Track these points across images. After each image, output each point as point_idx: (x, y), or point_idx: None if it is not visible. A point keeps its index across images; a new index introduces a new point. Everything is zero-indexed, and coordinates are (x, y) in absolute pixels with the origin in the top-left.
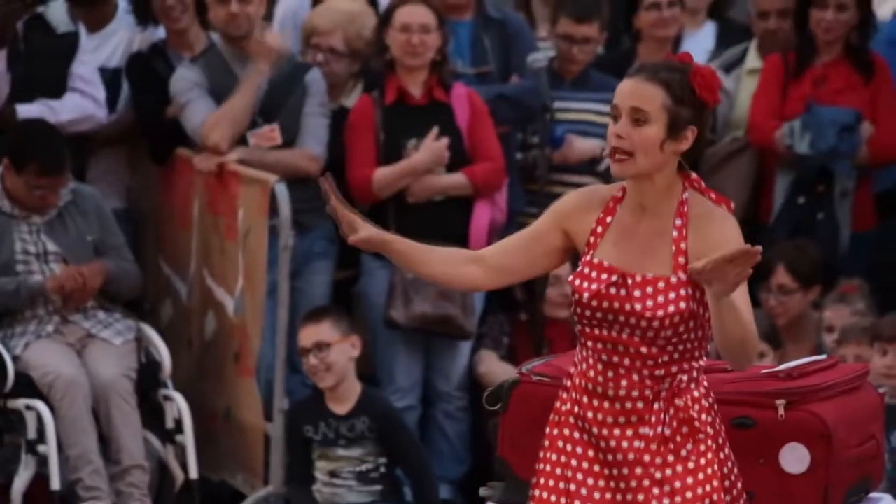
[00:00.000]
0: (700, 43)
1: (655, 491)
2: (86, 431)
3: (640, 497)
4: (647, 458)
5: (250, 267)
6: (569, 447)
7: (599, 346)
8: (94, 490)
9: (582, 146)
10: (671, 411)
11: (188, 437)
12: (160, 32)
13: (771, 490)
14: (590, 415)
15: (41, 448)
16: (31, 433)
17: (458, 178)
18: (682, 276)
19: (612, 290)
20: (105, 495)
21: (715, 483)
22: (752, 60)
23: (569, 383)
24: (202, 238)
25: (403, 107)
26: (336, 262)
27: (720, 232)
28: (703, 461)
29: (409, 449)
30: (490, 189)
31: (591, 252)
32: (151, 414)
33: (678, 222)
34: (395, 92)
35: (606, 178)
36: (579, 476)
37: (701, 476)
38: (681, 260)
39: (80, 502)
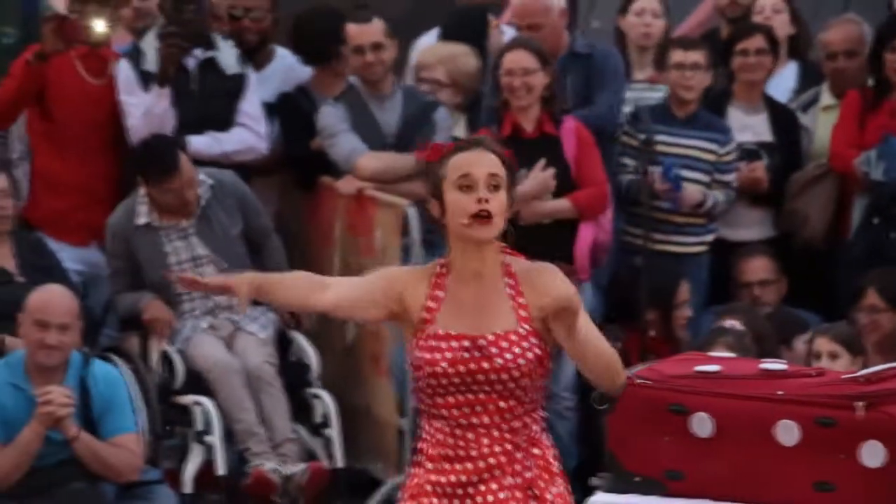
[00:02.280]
0: (784, 82)
1: None
2: (245, 409)
3: None
4: None
5: None
6: None
7: (455, 412)
8: (260, 455)
9: (693, 194)
10: (530, 461)
11: (334, 431)
12: (304, 75)
13: (851, 482)
14: (453, 478)
15: (208, 438)
16: (199, 425)
17: (563, 204)
18: (528, 328)
19: (467, 354)
20: (272, 456)
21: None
22: (826, 98)
23: (420, 458)
24: (343, 256)
25: (517, 140)
26: None
27: (552, 281)
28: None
29: None
30: (593, 213)
31: (429, 326)
32: (302, 410)
33: (509, 281)
34: (509, 127)
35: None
36: None
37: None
38: (522, 313)
39: (248, 465)
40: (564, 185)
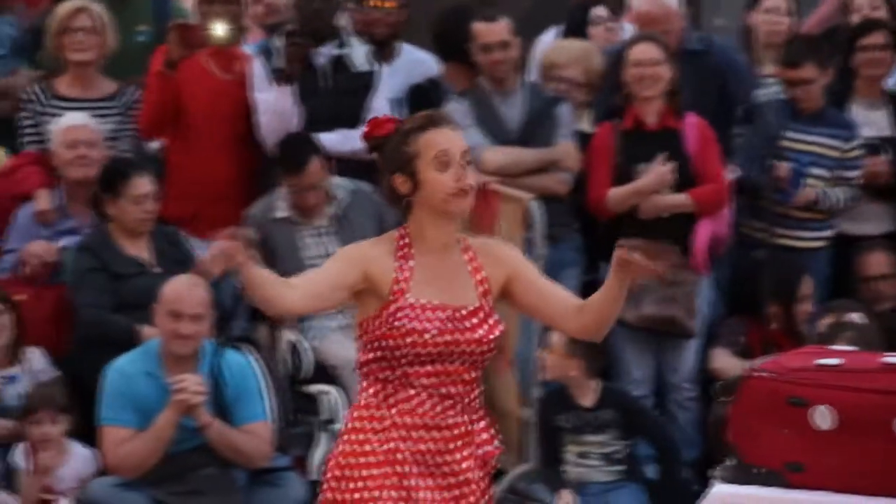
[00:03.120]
0: None
1: (480, 501)
2: None
3: None
4: (473, 475)
5: None
6: (407, 482)
7: (429, 381)
8: None
9: (807, 194)
10: (481, 436)
11: None
12: (429, 70)
13: None
14: (430, 446)
15: (334, 427)
16: (326, 414)
17: (681, 199)
18: (488, 304)
19: (450, 325)
20: None
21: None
22: None
23: (378, 425)
24: None
25: (639, 133)
26: (583, 270)
27: (506, 252)
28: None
29: (654, 430)
30: (712, 208)
31: (402, 296)
32: None
33: (467, 256)
34: (632, 120)
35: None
36: None
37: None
38: (482, 288)
39: None
40: (684, 180)
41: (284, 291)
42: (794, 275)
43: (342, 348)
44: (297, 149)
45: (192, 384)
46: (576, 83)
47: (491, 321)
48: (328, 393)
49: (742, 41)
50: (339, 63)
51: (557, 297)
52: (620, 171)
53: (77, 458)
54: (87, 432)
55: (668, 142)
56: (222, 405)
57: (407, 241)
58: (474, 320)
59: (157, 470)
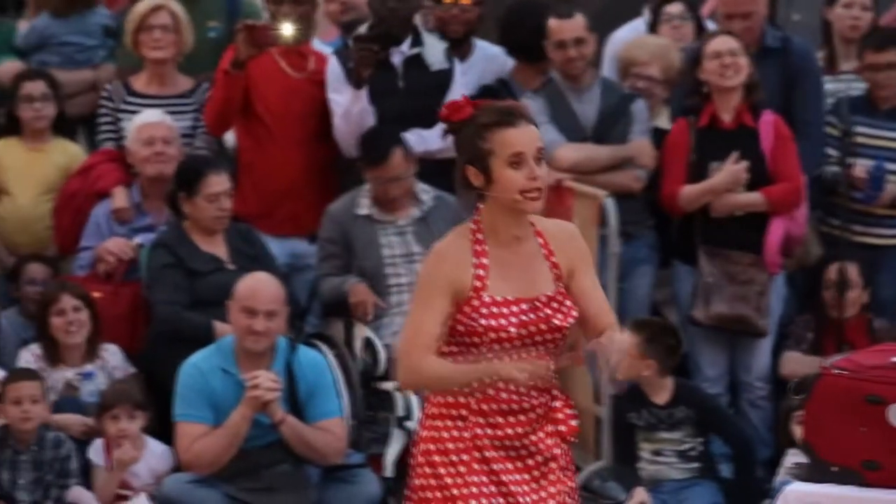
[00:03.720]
0: None
1: (562, 476)
2: None
3: (555, 488)
4: (556, 451)
5: None
6: (492, 466)
7: None
8: None
9: (891, 192)
10: (560, 413)
11: None
12: (503, 67)
13: None
14: (509, 431)
15: (408, 424)
16: (400, 411)
17: (755, 197)
18: (562, 288)
19: (532, 316)
20: None
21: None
22: None
23: (464, 412)
24: None
25: (714, 131)
26: (657, 267)
27: (574, 243)
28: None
29: (729, 428)
30: (786, 208)
31: (482, 293)
32: None
33: (540, 241)
34: (708, 117)
35: None
36: (512, 488)
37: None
38: (556, 272)
39: None
40: (759, 178)
41: (436, 371)
42: (869, 271)
43: None
44: (380, 141)
45: (266, 381)
46: (655, 80)
47: (566, 306)
48: (403, 390)
49: (820, 36)
50: (415, 62)
51: (592, 308)
52: (695, 169)
53: (152, 455)
54: (162, 429)
55: (743, 140)
56: (296, 402)
57: (480, 235)
58: (551, 308)
59: (231, 466)
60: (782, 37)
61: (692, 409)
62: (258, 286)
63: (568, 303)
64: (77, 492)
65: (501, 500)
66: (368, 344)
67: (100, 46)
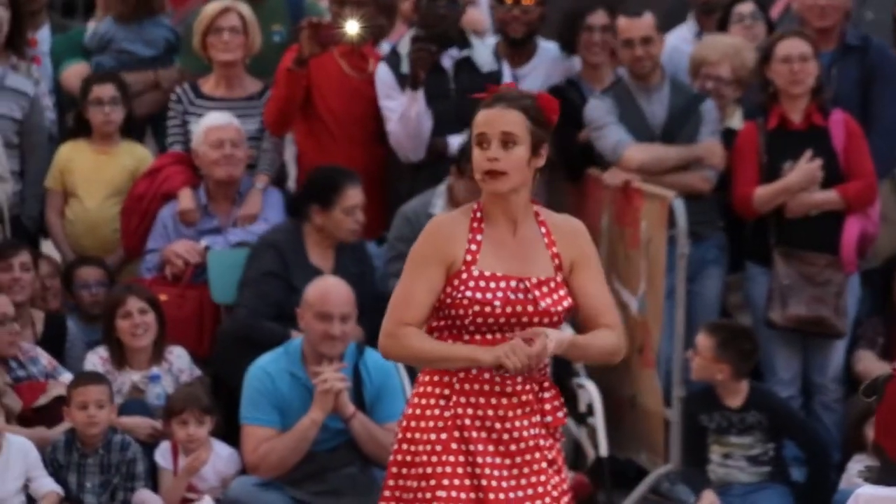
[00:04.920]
0: None
1: (550, 471)
2: None
3: (536, 479)
4: (542, 442)
5: (651, 272)
6: (470, 447)
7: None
8: None
9: None
10: (549, 404)
11: (599, 420)
12: (574, 67)
13: None
14: (490, 412)
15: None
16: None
17: (830, 196)
18: (561, 278)
19: (519, 296)
20: None
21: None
22: None
23: (447, 391)
24: (610, 246)
25: (784, 132)
26: (727, 268)
27: (578, 239)
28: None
29: (804, 433)
30: (861, 204)
31: (471, 267)
32: (566, 399)
33: (542, 230)
34: (777, 118)
35: None
36: (487, 471)
37: (562, 458)
38: (556, 262)
39: None
40: (832, 177)
41: (413, 343)
42: None
43: None
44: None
45: (333, 374)
46: (724, 80)
47: (559, 293)
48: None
49: (892, 35)
50: (465, 64)
51: (589, 305)
52: (766, 171)
53: (219, 458)
54: (228, 431)
55: (814, 139)
56: (364, 404)
57: (479, 214)
58: (541, 291)
59: (298, 469)
60: (862, 35)
61: (765, 414)
62: (329, 290)
63: (562, 291)
64: (144, 494)
65: (473, 481)
66: None
67: (158, 59)
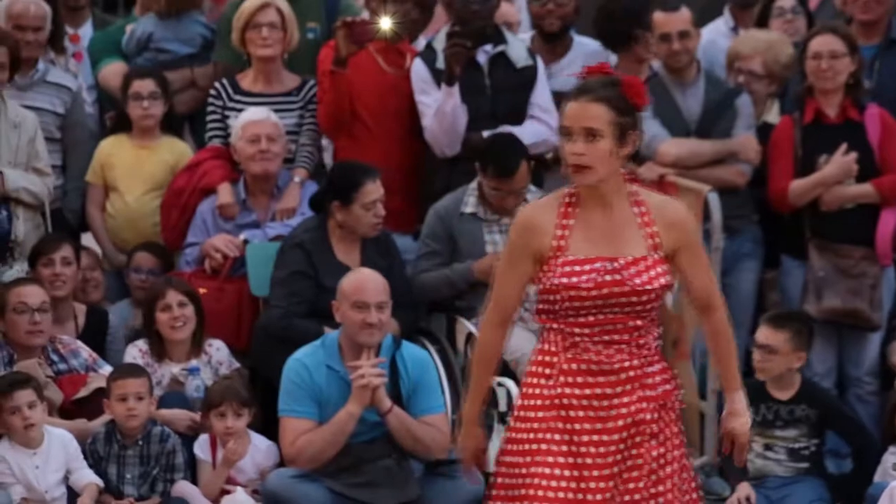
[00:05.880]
0: None
1: (652, 442)
2: None
3: (637, 451)
4: (646, 416)
5: None
6: (575, 426)
7: (594, 329)
8: None
9: None
10: (658, 377)
11: None
12: (610, 61)
13: None
14: (597, 391)
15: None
16: (503, 406)
17: (865, 189)
18: (657, 255)
19: (608, 277)
20: None
21: (682, 438)
22: None
23: (548, 371)
24: None
25: (820, 126)
26: (762, 262)
27: (682, 222)
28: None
29: (853, 429)
30: None
31: (562, 253)
32: None
33: (637, 210)
34: (812, 113)
35: None
36: (589, 448)
37: (676, 429)
38: (651, 241)
39: None
40: (867, 171)
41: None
42: None
43: (520, 340)
44: (509, 153)
45: (370, 369)
46: (755, 74)
47: (655, 271)
48: (504, 385)
49: None
50: (500, 60)
51: (700, 287)
52: (802, 165)
53: (257, 450)
54: (266, 423)
55: (850, 133)
56: (401, 397)
57: (573, 199)
58: (633, 269)
59: (335, 461)
60: None
61: (814, 408)
62: (365, 279)
63: (659, 269)
64: (183, 486)
65: (572, 459)
66: (471, 338)
67: (195, 56)
